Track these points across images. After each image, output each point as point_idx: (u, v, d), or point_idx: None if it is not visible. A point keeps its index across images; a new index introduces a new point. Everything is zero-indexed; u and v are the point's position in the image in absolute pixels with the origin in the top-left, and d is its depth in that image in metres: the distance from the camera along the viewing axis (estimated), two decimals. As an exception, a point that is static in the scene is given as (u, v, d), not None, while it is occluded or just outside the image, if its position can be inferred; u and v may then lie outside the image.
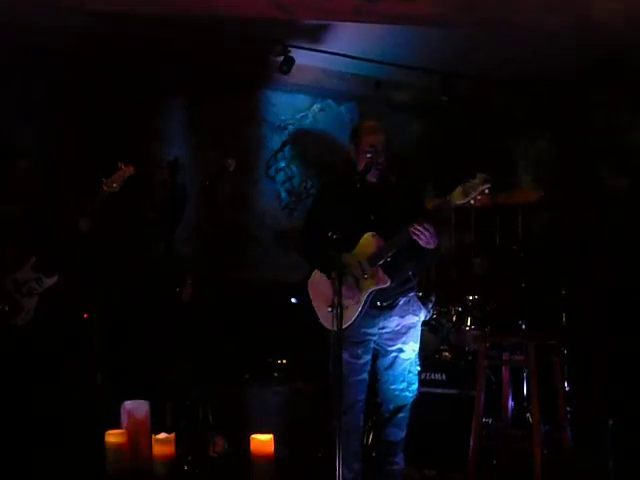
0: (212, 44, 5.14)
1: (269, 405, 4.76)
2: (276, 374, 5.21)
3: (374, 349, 4.08)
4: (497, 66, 5.50)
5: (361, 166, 3.98)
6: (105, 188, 4.05)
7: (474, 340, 4.89)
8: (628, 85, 5.47)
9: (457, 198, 3.69)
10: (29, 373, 4.10)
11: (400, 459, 4.10)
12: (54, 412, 4.28)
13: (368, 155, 3.94)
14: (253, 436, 3.60)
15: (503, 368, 4.79)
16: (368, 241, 3.92)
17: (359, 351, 4.01)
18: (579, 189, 5.64)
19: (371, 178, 3.99)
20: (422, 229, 3.72)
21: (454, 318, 5.05)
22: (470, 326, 4.99)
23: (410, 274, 4.00)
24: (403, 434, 4.09)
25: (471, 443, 4.35)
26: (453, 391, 4.79)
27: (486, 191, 3.65)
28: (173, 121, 5.70)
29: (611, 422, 4.40)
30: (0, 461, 3.92)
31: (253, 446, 3.58)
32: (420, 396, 4.33)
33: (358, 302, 3.91)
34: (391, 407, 4.06)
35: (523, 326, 4.84)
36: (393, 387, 4.05)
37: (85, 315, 5.04)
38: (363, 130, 4.08)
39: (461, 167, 5.43)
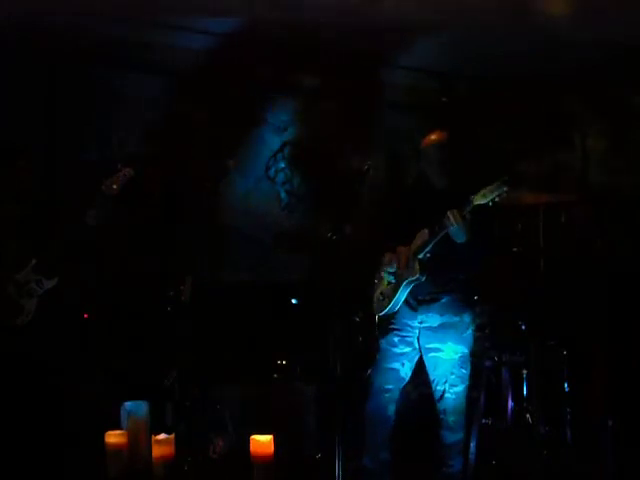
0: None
1: (269, 405, 4.76)
2: (276, 374, 5.21)
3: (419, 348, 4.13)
4: (497, 66, 5.50)
5: (428, 173, 4.16)
6: (104, 190, 4.05)
7: (474, 340, 4.89)
8: (628, 85, 5.48)
9: (478, 199, 3.80)
10: (29, 374, 4.10)
11: (457, 462, 4.06)
12: (54, 412, 4.28)
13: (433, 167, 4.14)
14: (253, 437, 3.60)
15: (503, 368, 4.80)
16: (419, 235, 4.05)
17: (395, 339, 4.10)
18: (579, 189, 5.64)
19: (438, 185, 4.15)
20: (451, 218, 3.84)
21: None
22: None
23: (455, 275, 4.06)
24: (457, 437, 4.06)
25: (471, 444, 4.36)
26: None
27: (504, 194, 3.76)
28: (173, 121, 5.70)
29: (611, 422, 4.40)
30: (0, 461, 3.92)
31: (253, 447, 3.58)
32: (419, 397, 4.34)
33: (395, 291, 4.04)
34: (441, 408, 4.06)
35: (523, 326, 4.84)
36: (438, 388, 4.07)
37: (85, 315, 5.05)
38: (427, 143, 4.18)
39: (461, 167, 5.45)
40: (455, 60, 5.55)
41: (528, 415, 4.68)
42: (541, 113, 5.93)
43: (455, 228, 3.84)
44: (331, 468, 3.57)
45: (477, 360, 4.84)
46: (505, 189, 3.74)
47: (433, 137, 4.15)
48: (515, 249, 5.11)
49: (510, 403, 4.79)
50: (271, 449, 3.57)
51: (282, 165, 6.11)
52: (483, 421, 4.73)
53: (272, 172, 6.09)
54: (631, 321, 4.92)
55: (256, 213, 5.97)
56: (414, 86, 5.96)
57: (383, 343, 4.13)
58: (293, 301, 5.49)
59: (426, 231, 4.01)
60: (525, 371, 4.75)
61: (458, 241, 3.88)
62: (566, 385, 4.73)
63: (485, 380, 4.80)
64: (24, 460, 3.98)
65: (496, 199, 3.76)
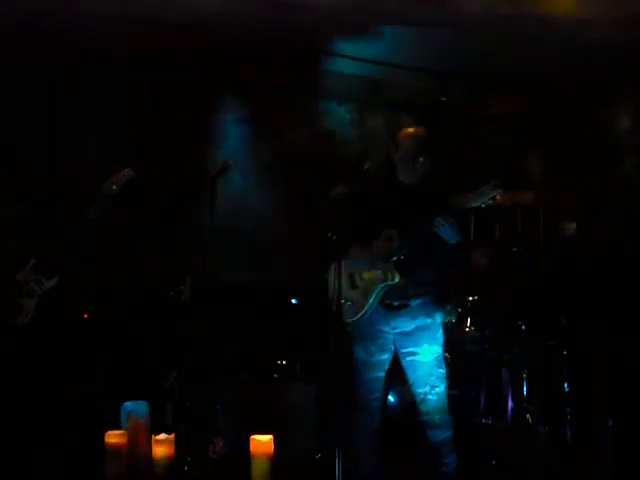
0: (212, 46, 5.15)
1: (269, 405, 4.76)
2: (276, 374, 5.21)
3: (396, 352, 4.12)
4: (497, 66, 5.50)
5: (399, 169, 4.10)
6: (104, 190, 4.06)
7: (474, 341, 4.90)
8: (628, 85, 5.48)
9: (469, 202, 3.83)
10: (29, 373, 4.10)
11: (451, 460, 4.06)
12: (54, 412, 4.28)
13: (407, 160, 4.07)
14: (253, 437, 3.61)
15: (503, 368, 4.80)
16: (388, 236, 4.01)
17: (372, 348, 4.08)
18: (579, 190, 5.64)
19: (405, 180, 4.12)
20: (443, 221, 3.84)
21: (454, 318, 5.06)
22: (470, 327, 5.00)
23: (425, 277, 4.04)
24: (447, 434, 4.05)
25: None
26: (453, 392, 4.79)
27: (497, 197, 3.79)
28: (173, 122, 5.70)
29: (611, 422, 4.40)
30: (0, 461, 3.92)
31: (253, 447, 3.59)
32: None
33: (367, 296, 3.98)
34: (423, 409, 4.05)
35: (523, 327, 4.84)
36: (417, 390, 4.06)
37: (85, 315, 5.05)
38: (402, 136, 4.15)
39: (460, 167, 5.44)
40: (455, 60, 5.54)
41: (528, 415, 4.68)
42: (541, 113, 5.93)
43: (446, 228, 3.84)
44: (331, 468, 3.56)
45: (477, 360, 4.86)
46: (499, 192, 3.76)
47: (411, 130, 4.14)
48: (515, 249, 5.11)
49: (510, 403, 4.78)
50: (271, 449, 3.58)
51: (282, 165, 6.10)
52: (483, 421, 4.74)
53: (272, 172, 6.09)
54: (631, 321, 4.92)
55: (256, 213, 5.96)
56: (414, 86, 5.95)
57: (361, 354, 4.08)
58: (293, 301, 5.48)
59: (394, 232, 3.99)
60: (525, 371, 4.75)
61: (450, 242, 3.88)
62: (566, 385, 4.73)
63: (485, 380, 4.80)
64: (24, 460, 3.99)
65: (489, 202, 3.77)
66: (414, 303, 4.05)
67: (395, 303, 4.04)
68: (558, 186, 5.60)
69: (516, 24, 4.78)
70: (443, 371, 4.10)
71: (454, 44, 5.18)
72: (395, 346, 4.09)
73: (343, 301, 3.88)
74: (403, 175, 4.11)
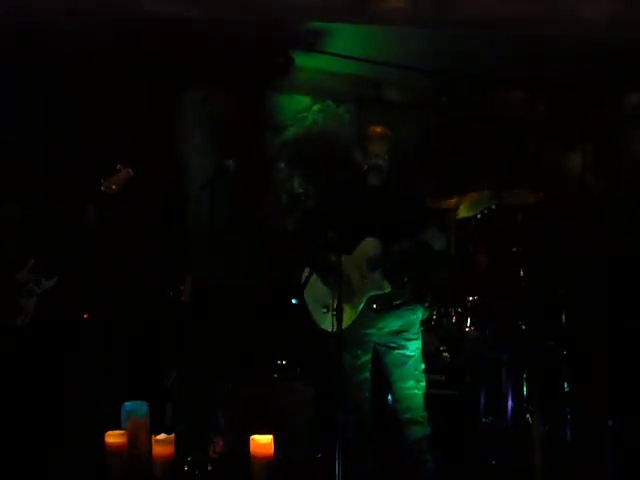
0: (212, 46, 5.15)
1: (269, 406, 4.76)
2: (276, 374, 5.21)
3: (377, 349, 4.13)
4: (497, 66, 5.49)
5: (369, 172, 4.05)
6: (104, 190, 4.06)
7: (473, 341, 4.90)
8: (628, 85, 5.48)
9: (463, 212, 3.84)
10: (29, 373, 4.10)
11: (430, 457, 4.07)
12: (54, 412, 4.28)
13: (375, 162, 4.01)
14: (253, 437, 3.61)
15: (503, 368, 4.80)
16: (368, 245, 3.99)
17: (359, 351, 4.10)
18: (579, 190, 5.64)
19: (374, 182, 4.07)
20: (438, 234, 3.83)
21: (454, 318, 5.06)
22: (470, 327, 5.00)
23: (406, 279, 4.04)
24: (427, 431, 4.07)
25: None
26: (452, 392, 4.80)
27: (493, 207, 3.72)
28: (174, 122, 5.71)
29: (611, 422, 4.40)
30: (0, 461, 3.92)
31: (253, 447, 3.59)
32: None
33: (355, 306, 3.97)
34: (404, 406, 4.07)
35: (523, 327, 4.85)
36: (402, 385, 4.08)
37: (85, 315, 5.05)
38: (370, 136, 4.09)
39: (461, 168, 5.45)
40: (455, 60, 5.54)
41: (528, 415, 4.69)
42: (541, 113, 5.93)
43: (437, 243, 3.85)
44: (331, 468, 3.57)
45: (476, 360, 4.86)
46: (494, 202, 3.73)
47: (379, 130, 4.10)
48: (515, 249, 5.11)
49: (510, 403, 4.79)
50: (271, 449, 3.58)
51: (281, 165, 6.11)
52: (483, 421, 4.74)
53: (272, 172, 6.09)
54: (631, 321, 4.92)
55: (256, 213, 5.97)
56: (413, 86, 5.96)
57: (349, 359, 4.07)
58: (293, 301, 5.48)
59: (375, 241, 3.97)
60: (525, 371, 4.75)
61: (436, 248, 3.88)
62: (566, 385, 4.74)
63: (485, 380, 4.81)
64: (24, 460, 3.99)
65: (485, 212, 3.74)
66: (397, 303, 4.07)
67: (381, 307, 4.04)
68: (558, 186, 5.61)
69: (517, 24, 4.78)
70: (424, 367, 4.14)
71: (454, 44, 5.19)
72: (383, 344, 4.10)
73: (325, 310, 3.89)
74: (374, 179, 4.08)
